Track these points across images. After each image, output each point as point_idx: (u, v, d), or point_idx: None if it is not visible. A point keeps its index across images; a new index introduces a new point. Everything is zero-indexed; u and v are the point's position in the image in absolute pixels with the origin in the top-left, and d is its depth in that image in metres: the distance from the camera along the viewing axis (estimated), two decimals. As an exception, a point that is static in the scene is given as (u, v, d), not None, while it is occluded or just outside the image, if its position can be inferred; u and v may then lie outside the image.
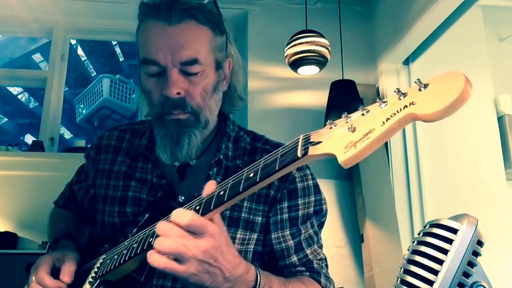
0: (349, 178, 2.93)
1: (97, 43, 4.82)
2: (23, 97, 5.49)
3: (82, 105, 4.53)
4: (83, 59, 5.28)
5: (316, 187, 1.14)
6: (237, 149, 1.14)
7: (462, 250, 0.64)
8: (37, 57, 5.12)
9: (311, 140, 0.68)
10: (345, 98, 2.72)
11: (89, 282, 0.98)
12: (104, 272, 0.97)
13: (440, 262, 0.64)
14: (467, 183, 2.93)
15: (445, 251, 0.64)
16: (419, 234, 0.69)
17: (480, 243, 0.65)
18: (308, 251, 1.09)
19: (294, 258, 1.08)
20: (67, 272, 1.00)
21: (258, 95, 3.03)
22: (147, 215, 1.02)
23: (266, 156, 0.76)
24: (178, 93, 1.00)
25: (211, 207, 0.79)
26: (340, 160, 0.59)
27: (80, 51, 5.16)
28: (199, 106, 1.03)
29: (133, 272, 0.91)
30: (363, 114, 0.62)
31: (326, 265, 1.14)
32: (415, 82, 0.58)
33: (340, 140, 0.62)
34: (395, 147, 2.97)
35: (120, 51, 5.23)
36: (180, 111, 1.01)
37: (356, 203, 2.83)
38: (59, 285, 0.99)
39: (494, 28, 3.47)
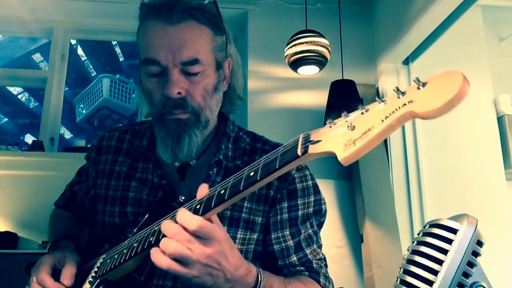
0: (349, 178, 2.93)
1: (97, 43, 4.82)
2: (23, 97, 5.49)
3: (82, 105, 4.53)
4: (83, 59, 5.28)
5: (316, 187, 1.15)
6: (236, 150, 1.14)
7: (461, 250, 0.64)
8: (37, 57, 5.12)
9: (311, 139, 0.68)
10: (345, 98, 2.72)
11: (89, 282, 0.98)
12: (104, 272, 0.97)
13: (439, 262, 0.64)
14: (467, 183, 2.93)
15: (444, 251, 0.64)
16: (418, 234, 0.69)
17: (479, 243, 0.66)
18: (307, 251, 1.10)
19: (294, 258, 1.09)
20: (68, 274, 1.00)
21: (258, 95, 3.03)
22: (147, 215, 1.02)
23: (266, 155, 0.76)
24: (179, 93, 1.00)
25: (212, 206, 0.80)
26: (340, 157, 0.60)
27: (80, 51, 5.17)
28: (199, 106, 1.03)
29: (133, 272, 0.91)
30: (362, 113, 0.63)
31: (326, 265, 1.14)
32: (413, 80, 0.59)
33: (340, 138, 0.63)
34: (395, 147, 2.97)
35: (120, 51, 5.24)
36: (181, 110, 1.02)
37: (356, 203, 2.83)
38: (60, 287, 0.99)
39: (493, 28, 3.47)
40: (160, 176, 1.12)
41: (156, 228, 0.89)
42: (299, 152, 0.68)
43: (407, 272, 0.66)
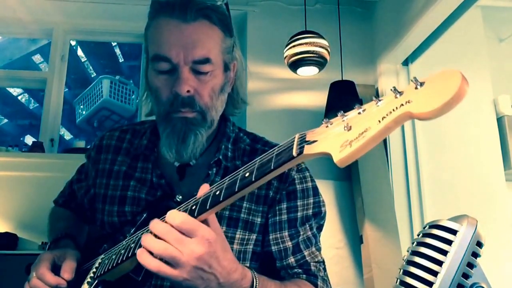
0: (348, 179, 2.93)
1: (97, 44, 4.82)
2: (23, 98, 5.50)
3: (82, 106, 4.53)
4: (83, 60, 5.28)
5: (315, 189, 1.14)
6: (236, 150, 1.14)
7: (461, 251, 0.64)
8: (37, 58, 5.13)
9: (306, 139, 0.67)
10: (344, 99, 2.72)
11: (88, 283, 0.98)
12: (102, 273, 0.97)
13: (439, 263, 0.64)
14: (467, 184, 2.93)
15: (444, 252, 0.64)
16: (418, 235, 0.69)
17: (479, 244, 0.65)
18: (305, 253, 1.09)
19: (291, 260, 1.08)
20: (68, 268, 1.00)
21: (257, 96, 3.03)
22: (145, 215, 1.02)
23: (262, 156, 0.75)
24: (188, 91, 1.00)
25: (207, 207, 0.79)
26: (336, 159, 0.59)
27: (80, 52, 5.17)
28: (206, 105, 1.03)
29: (130, 272, 0.90)
30: (359, 113, 0.62)
31: (324, 268, 1.13)
32: (411, 80, 0.58)
33: (336, 139, 0.61)
34: (395, 148, 2.97)
35: (120, 52, 5.24)
36: (189, 109, 1.01)
37: (355, 204, 2.83)
38: (60, 281, 0.98)
39: (493, 29, 3.48)
40: (159, 175, 1.12)
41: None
42: (294, 153, 0.67)
43: (407, 273, 0.66)
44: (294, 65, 2.61)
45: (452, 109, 0.52)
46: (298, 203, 1.10)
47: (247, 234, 1.07)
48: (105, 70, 5.28)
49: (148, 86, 1.08)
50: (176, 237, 0.77)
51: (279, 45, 2.79)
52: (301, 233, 1.10)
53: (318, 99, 3.02)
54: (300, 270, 1.08)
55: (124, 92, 4.37)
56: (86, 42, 4.79)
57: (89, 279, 0.99)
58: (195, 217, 0.79)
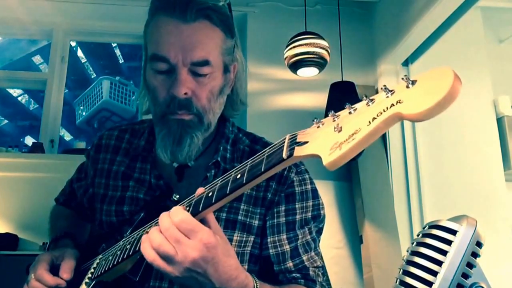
0: (348, 179, 2.93)
1: (97, 45, 4.82)
2: (23, 99, 5.50)
3: (82, 107, 4.53)
4: (83, 61, 5.28)
5: (315, 191, 1.12)
6: (235, 151, 1.12)
7: (461, 251, 0.64)
8: (37, 59, 5.13)
9: (297, 140, 0.66)
10: (344, 100, 2.69)
11: (86, 283, 0.98)
12: (99, 273, 0.97)
13: (439, 263, 0.64)
14: (466, 184, 2.93)
15: (444, 252, 0.64)
16: (418, 235, 0.69)
17: (479, 244, 0.65)
18: (304, 257, 1.07)
19: (290, 264, 1.06)
20: (67, 268, 1.00)
21: (257, 97, 3.03)
22: (142, 214, 1.01)
23: (253, 157, 0.74)
24: (185, 93, 0.98)
25: (199, 209, 0.78)
26: (325, 162, 0.57)
27: (80, 53, 5.17)
28: (204, 108, 1.01)
29: (127, 273, 0.90)
30: (350, 113, 0.60)
31: (323, 274, 1.11)
32: (402, 78, 0.55)
33: (326, 141, 0.60)
34: (394, 148, 2.98)
35: (120, 53, 5.24)
36: (185, 111, 1.00)
37: (355, 204, 2.83)
38: (59, 281, 0.98)
39: (493, 30, 3.48)
40: (157, 176, 1.11)
41: (148, 230, 0.87)
42: (284, 155, 0.66)
43: (407, 273, 0.66)
44: (294, 66, 2.61)
45: (445, 110, 0.50)
46: (297, 206, 1.08)
47: (245, 236, 1.06)
48: (105, 71, 5.28)
49: (145, 84, 1.06)
50: (174, 235, 0.76)
51: (279, 46, 2.80)
52: (300, 236, 1.08)
53: (319, 100, 3.02)
54: (298, 275, 1.06)
55: (124, 93, 4.37)
56: (86, 43, 4.79)
57: (87, 280, 0.99)
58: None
